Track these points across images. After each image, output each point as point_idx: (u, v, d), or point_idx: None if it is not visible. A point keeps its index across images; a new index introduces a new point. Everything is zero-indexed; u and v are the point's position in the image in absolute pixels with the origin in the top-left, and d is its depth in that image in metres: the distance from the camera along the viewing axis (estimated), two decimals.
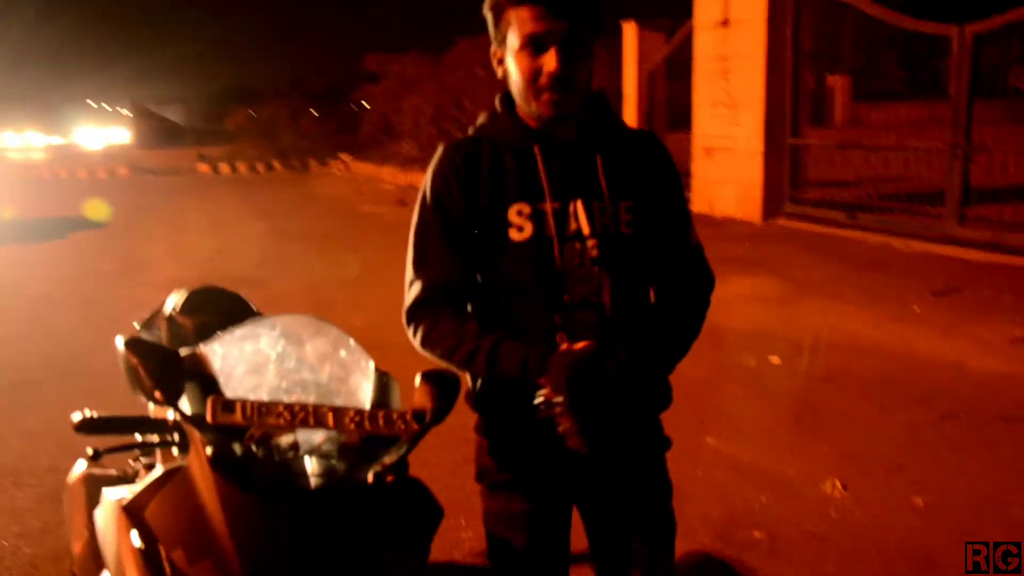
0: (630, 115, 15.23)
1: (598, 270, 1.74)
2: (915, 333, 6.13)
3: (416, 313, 1.79)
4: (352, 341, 1.86)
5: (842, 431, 4.39)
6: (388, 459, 1.61)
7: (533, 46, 1.66)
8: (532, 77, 1.68)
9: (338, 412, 1.59)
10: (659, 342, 1.77)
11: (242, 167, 25.89)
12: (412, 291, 1.80)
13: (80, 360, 5.96)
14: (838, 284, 7.63)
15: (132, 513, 1.62)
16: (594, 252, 1.74)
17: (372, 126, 24.17)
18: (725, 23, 11.52)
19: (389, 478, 1.60)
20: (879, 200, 10.13)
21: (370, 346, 1.82)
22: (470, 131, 1.86)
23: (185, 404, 1.65)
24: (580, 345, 1.63)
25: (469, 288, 1.81)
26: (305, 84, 33.08)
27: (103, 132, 47.51)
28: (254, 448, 1.58)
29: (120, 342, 1.67)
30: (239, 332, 1.82)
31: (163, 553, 1.55)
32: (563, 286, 1.74)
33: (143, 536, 1.59)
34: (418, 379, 1.75)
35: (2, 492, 3.97)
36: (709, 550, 3.30)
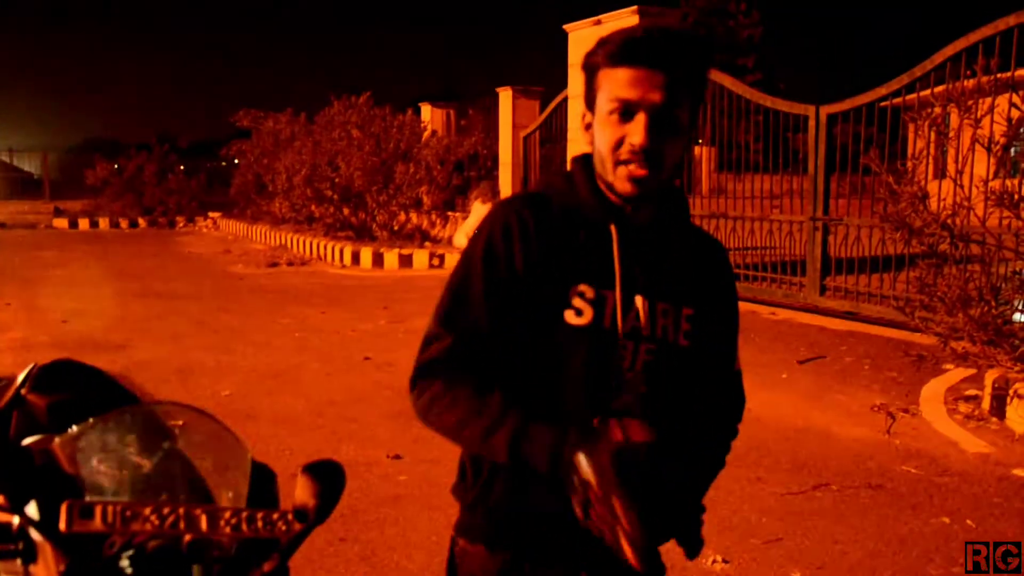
0: (505, 177, 15.46)
1: (646, 377, 1.56)
2: (783, 400, 6.31)
3: (430, 371, 1.53)
4: (230, 433, 1.72)
5: (719, 502, 4.42)
6: (267, 565, 1.47)
7: (622, 113, 1.48)
8: (615, 146, 1.50)
9: (212, 514, 1.44)
10: (690, 475, 1.61)
11: (103, 222, 24.87)
12: (431, 347, 1.55)
13: None
14: None
15: None
16: (647, 356, 1.55)
17: (243, 184, 23.70)
18: None
19: None
20: (746, 269, 10.54)
21: (239, 416, 1.70)
22: (537, 189, 1.67)
23: (33, 508, 1.47)
24: (639, 436, 1.48)
25: (499, 363, 1.55)
26: (173, 137, 32.17)
27: None
28: (116, 557, 1.41)
29: None
30: (101, 421, 1.66)
31: None
32: (608, 386, 1.54)
33: None
34: (300, 474, 1.61)
35: None
36: None
